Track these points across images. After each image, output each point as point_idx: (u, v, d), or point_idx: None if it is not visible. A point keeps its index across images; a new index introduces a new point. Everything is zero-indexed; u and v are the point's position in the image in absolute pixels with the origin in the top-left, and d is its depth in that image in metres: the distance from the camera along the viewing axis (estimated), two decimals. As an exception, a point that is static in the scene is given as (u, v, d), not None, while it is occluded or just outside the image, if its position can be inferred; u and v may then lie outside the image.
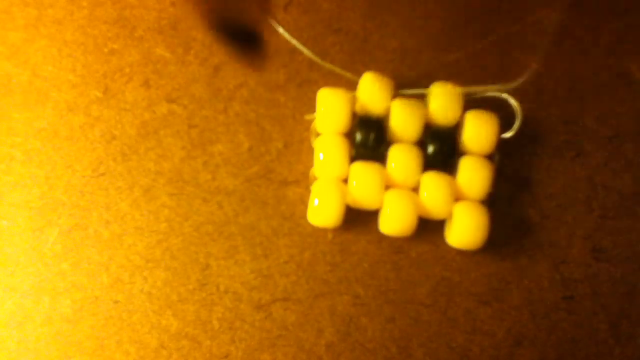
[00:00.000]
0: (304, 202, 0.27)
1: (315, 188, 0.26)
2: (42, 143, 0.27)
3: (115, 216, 0.27)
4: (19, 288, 0.27)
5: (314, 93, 0.26)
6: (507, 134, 0.26)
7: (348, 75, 0.27)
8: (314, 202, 0.25)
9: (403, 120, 0.26)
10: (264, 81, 0.28)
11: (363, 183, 0.25)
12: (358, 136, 0.26)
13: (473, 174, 0.26)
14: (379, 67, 0.27)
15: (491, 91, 0.27)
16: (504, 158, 0.27)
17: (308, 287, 0.27)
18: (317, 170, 0.26)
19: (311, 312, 0.26)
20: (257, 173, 0.27)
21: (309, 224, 0.26)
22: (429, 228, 0.26)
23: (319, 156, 0.26)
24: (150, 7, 0.28)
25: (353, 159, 0.26)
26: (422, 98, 0.26)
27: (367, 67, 0.27)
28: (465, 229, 0.25)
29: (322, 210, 0.25)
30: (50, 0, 0.28)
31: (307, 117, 0.27)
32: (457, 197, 0.26)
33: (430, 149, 0.26)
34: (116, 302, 0.26)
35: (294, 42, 0.27)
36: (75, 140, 0.27)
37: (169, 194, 0.27)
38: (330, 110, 0.26)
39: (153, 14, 0.28)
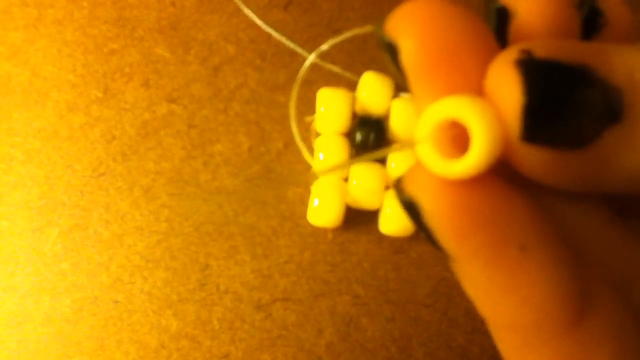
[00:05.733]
0: (304, 202, 0.27)
1: (315, 188, 0.26)
2: (42, 143, 0.27)
3: (115, 216, 0.27)
4: (19, 288, 0.27)
5: (314, 93, 0.26)
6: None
7: (348, 75, 0.27)
8: (314, 202, 0.25)
9: (403, 120, 0.26)
10: (264, 81, 0.28)
11: (363, 183, 0.25)
12: (358, 136, 0.26)
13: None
14: (379, 67, 0.27)
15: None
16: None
17: (308, 287, 0.27)
18: (317, 169, 0.26)
19: (311, 312, 0.26)
20: (257, 173, 0.27)
21: (309, 224, 0.26)
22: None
23: (319, 156, 0.26)
24: (150, 7, 0.28)
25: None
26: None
27: (367, 67, 0.27)
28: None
29: (322, 210, 0.25)
30: (50, 0, 0.28)
31: (307, 118, 0.27)
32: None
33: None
34: (116, 302, 0.26)
35: (293, 45, 0.27)
36: (75, 140, 0.27)
37: (169, 194, 0.27)
38: (330, 110, 0.26)
39: (153, 14, 0.28)
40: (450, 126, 0.11)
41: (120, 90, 0.28)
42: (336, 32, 0.28)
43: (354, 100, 0.26)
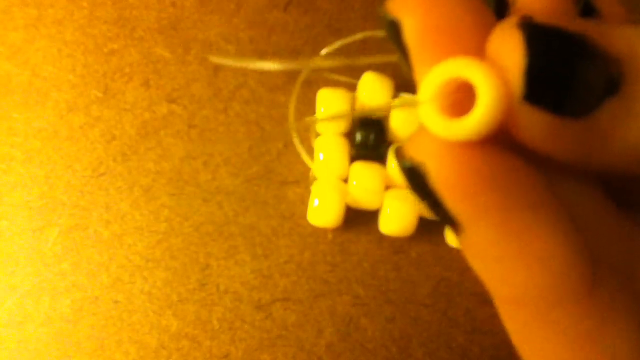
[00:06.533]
0: (304, 202, 0.27)
1: (315, 188, 0.26)
2: (42, 143, 0.27)
3: (115, 216, 0.27)
4: (19, 288, 0.27)
5: (314, 93, 0.26)
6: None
7: (344, 79, 0.27)
8: (314, 202, 0.25)
9: (403, 120, 0.26)
10: (264, 81, 0.28)
11: (363, 183, 0.25)
12: (358, 136, 0.26)
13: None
14: (378, 68, 0.27)
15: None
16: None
17: (308, 287, 0.27)
18: (317, 170, 0.26)
19: (311, 312, 0.26)
20: (257, 173, 0.27)
21: (309, 224, 0.26)
22: (429, 228, 0.26)
23: (319, 156, 0.26)
24: (150, 7, 0.28)
25: (353, 159, 0.26)
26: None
27: (367, 68, 0.27)
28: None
29: (322, 210, 0.25)
30: (50, 0, 0.28)
31: (307, 119, 0.27)
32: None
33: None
34: (116, 302, 0.26)
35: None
36: (75, 140, 0.27)
37: (169, 194, 0.27)
38: (330, 111, 0.26)
39: (153, 14, 0.28)
40: (452, 91, 0.11)
41: (120, 90, 0.28)
42: (336, 32, 0.28)
43: (354, 100, 0.26)
